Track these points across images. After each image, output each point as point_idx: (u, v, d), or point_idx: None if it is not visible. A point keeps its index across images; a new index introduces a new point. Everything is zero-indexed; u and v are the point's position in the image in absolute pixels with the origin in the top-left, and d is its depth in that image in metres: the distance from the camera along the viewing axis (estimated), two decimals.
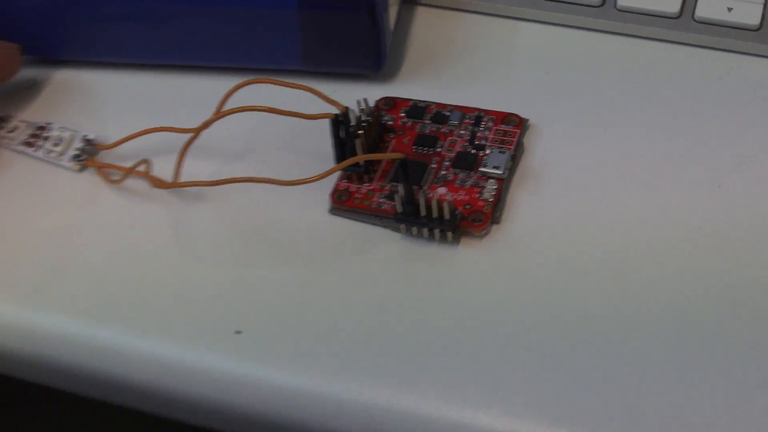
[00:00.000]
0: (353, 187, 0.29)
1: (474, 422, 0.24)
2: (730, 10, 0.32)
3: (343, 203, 0.28)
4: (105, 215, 0.29)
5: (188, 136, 0.29)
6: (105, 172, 0.30)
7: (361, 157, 0.27)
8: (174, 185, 0.28)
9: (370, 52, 0.31)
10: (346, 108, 0.27)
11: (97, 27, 0.32)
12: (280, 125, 0.31)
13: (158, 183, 0.29)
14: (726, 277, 0.26)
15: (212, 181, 0.28)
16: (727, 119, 0.30)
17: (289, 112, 0.27)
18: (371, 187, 0.28)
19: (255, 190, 0.28)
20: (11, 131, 0.32)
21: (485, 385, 0.25)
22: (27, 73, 0.33)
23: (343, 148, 0.28)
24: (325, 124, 0.28)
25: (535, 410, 0.24)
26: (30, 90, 0.33)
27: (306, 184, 0.27)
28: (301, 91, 0.29)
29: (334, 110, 0.28)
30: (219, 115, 0.27)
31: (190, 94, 0.32)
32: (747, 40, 0.32)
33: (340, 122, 0.27)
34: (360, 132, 0.28)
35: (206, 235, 0.28)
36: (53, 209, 0.30)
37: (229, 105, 0.28)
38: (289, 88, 0.28)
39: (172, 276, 0.28)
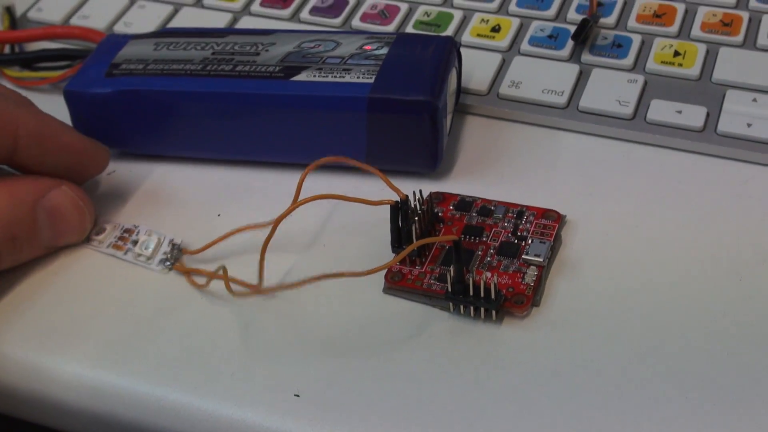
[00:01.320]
0: (406, 269, 0.32)
1: None
2: (749, 125, 0.35)
3: (396, 283, 0.31)
4: (181, 297, 0.33)
5: (267, 231, 0.31)
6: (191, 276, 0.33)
7: (423, 241, 0.30)
8: (253, 293, 0.31)
9: (429, 153, 0.34)
10: (406, 196, 0.31)
11: (176, 126, 0.36)
12: (339, 215, 0.34)
13: (237, 293, 0.31)
14: (745, 355, 0.29)
15: (289, 284, 0.31)
16: (747, 221, 0.33)
17: (354, 198, 0.31)
18: (422, 270, 0.32)
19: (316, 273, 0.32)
20: (98, 233, 0.34)
21: None
22: (110, 165, 0.37)
23: (399, 233, 0.31)
24: (379, 214, 0.32)
25: None
26: (114, 187, 0.37)
27: (362, 264, 0.30)
28: (356, 185, 0.33)
29: (394, 198, 0.31)
30: (294, 205, 0.30)
31: (260, 188, 0.36)
32: (765, 153, 0.35)
33: (399, 209, 0.31)
34: (416, 219, 0.31)
35: (274, 314, 0.31)
36: (138, 296, 0.33)
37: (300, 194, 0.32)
38: (351, 180, 0.31)
39: (236, 345, 0.31)
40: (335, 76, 0.34)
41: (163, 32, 0.38)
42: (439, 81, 0.34)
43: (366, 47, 0.36)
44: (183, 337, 0.31)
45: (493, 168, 0.36)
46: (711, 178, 0.35)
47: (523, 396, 0.28)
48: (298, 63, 0.35)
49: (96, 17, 0.44)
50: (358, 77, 0.34)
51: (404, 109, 0.34)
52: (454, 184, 0.35)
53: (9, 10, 0.45)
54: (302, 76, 0.35)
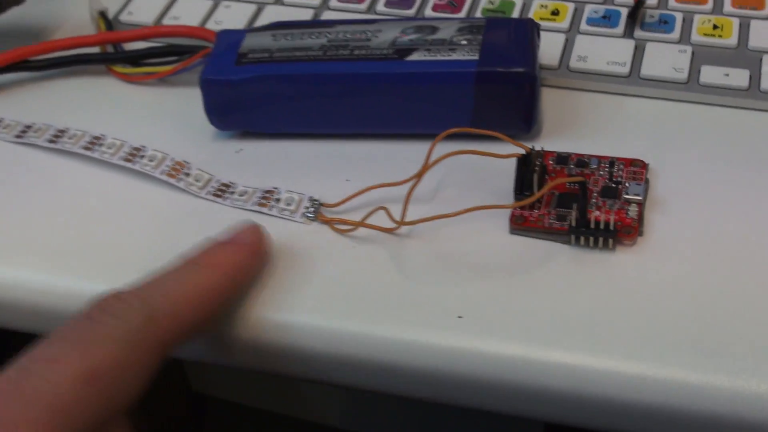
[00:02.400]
0: (527, 212, 0.37)
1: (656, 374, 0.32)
2: None
3: (521, 225, 0.37)
4: (329, 244, 0.38)
5: (404, 187, 0.37)
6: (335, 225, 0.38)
7: (558, 181, 0.36)
8: (411, 222, 0.36)
9: (526, 116, 0.40)
10: (532, 147, 0.37)
11: (302, 105, 0.41)
12: (452, 176, 0.40)
13: (396, 224, 0.37)
14: None
15: (443, 215, 0.36)
16: None
17: (487, 153, 0.36)
18: (541, 212, 0.37)
19: (448, 223, 0.37)
20: (242, 195, 0.39)
21: (651, 343, 0.33)
22: (237, 144, 0.42)
23: (522, 182, 0.37)
24: (490, 169, 0.38)
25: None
26: (246, 162, 0.41)
27: (484, 213, 0.36)
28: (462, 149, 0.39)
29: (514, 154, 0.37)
30: (433, 162, 0.36)
31: (380, 157, 0.41)
32: None
33: (525, 160, 0.37)
34: (536, 168, 0.37)
35: (421, 254, 0.37)
36: (289, 246, 0.38)
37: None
38: (454, 146, 0.37)
39: (391, 280, 0.36)
40: (444, 55, 0.40)
41: (275, 25, 0.43)
42: (532, 54, 0.40)
43: (463, 30, 0.41)
44: (344, 276, 0.36)
45: (573, 130, 0.42)
46: (760, 129, 0.42)
47: (636, 309, 0.34)
48: (407, 46, 0.41)
49: (185, 18, 0.49)
50: (463, 55, 0.40)
51: (508, 80, 0.39)
52: (544, 144, 0.41)
53: (103, 15, 0.49)
54: (415, 56, 0.40)
